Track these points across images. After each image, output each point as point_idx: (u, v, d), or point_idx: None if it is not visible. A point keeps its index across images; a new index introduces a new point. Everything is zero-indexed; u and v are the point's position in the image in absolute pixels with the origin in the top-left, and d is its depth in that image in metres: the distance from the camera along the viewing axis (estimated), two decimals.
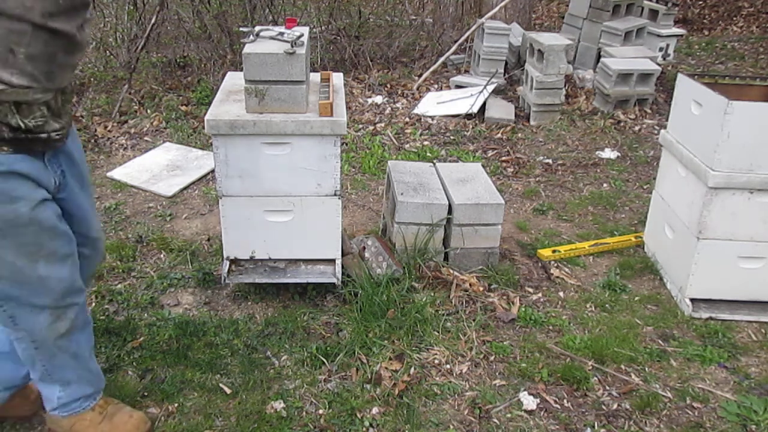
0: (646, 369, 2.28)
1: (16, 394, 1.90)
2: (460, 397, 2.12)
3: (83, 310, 1.75)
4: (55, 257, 1.58)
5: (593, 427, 2.03)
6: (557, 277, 2.83)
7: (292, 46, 2.17)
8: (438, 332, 2.40)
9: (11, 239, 1.49)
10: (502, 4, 6.15)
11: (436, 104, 5.02)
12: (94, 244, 1.82)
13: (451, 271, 2.71)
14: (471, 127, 4.66)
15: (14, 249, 1.50)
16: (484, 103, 4.90)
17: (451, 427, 2.01)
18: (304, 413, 2.01)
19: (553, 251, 2.99)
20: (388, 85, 5.57)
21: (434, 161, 3.72)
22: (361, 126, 4.68)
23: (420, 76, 5.72)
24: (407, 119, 4.83)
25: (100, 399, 1.86)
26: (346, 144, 4.30)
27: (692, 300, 2.59)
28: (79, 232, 1.70)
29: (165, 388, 2.09)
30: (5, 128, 1.38)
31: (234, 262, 2.50)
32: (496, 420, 2.04)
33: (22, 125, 1.41)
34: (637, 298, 2.70)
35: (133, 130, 4.31)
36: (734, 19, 8.65)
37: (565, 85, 4.90)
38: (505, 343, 2.38)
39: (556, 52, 4.66)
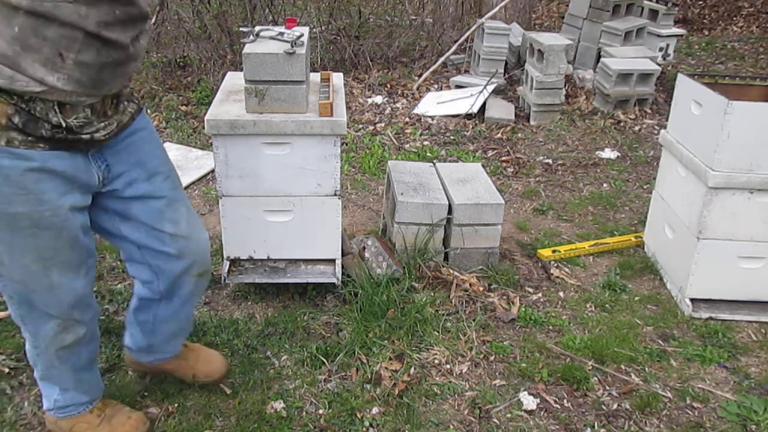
0: (646, 369, 2.28)
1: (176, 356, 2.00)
2: (460, 397, 2.13)
3: (93, 326, 1.74)
4: (69, 267, 1.55)
5: (593, 427, 2.03)
6: (557, 277, 2.83)
7: (292, 46, 2.17)
8: (438, 332, 2.40)
9: (30, 240, 1.46)
10: (502, 4, 6.15)
11: (436, 104, 5.02)
12: (174, 240, 1.70)
13: (451, 271, 2.71)
14: (471, 127, 4.66)
15: (30, 251, 1.47)
16: (484, 103, 4.90)
17: (451, 427, 2.01)
18: (304, 413, 2.01)
19: (553, 251, 2.99)
20: (388, 85, 5.57)
21: (434, 161, 3.72)
22: (361, 126, 4.68)
23: (420, 76, 5.72)
24: (407, 119, 4.83)
25: (98, 401, 1.86)
26: (346, 144, 4.30)
27: (692, 300, 2.59)
28: (140, 221, 1.66)
29: (165, 388, 2.09)
30: (46, 125, 1.35)
31: (234, 262, 2.51)
32: (496, 420, 2.04)
33: (63, 123, 1.38)
34: (637, 298, 2.70)
35: None
36: (734, 19, 8.65)
37: (565, 85, 4.90)
38: (505, 343, 2.38)
39: (556, 52, 4.66)
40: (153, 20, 4.88)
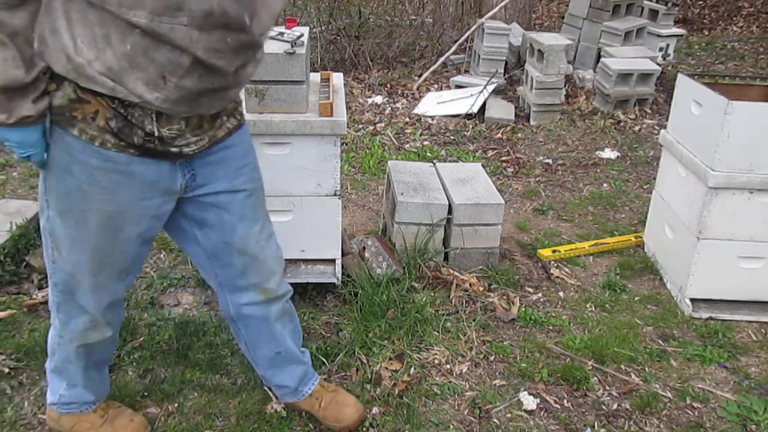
0: (646, 369, 2.28)
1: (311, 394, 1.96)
2: (460, 397, 2.13)
3: (116, 330, 1.75)
4: (117, 271, 1.57)
5: (593, 427, 2.03)
6: (557, 277, 2.83)
7: (292, 46, 2.17)
8: (438, 332, 2.40)
9: (93, 238, 1.47)
10: (502, 4, 6.15)
11: (436, 104, 5.02)
12: (241, 256, 1.69)
13: (451, 271, 2.71)
14: (471, 127, 4.66)
15: (90, 249, 1.49)
16: (484, 103, 4.90)
17: (451, 427, 2.01)
18: (304, 413, 2.01)
19: (553, 251, 2.99)
20: (388, 85, 5.57)
21: (434, 161, 3.72)
22: (361, 126, 4.68)
23: (420, 76, 5.72)
24: (407, 119, 4.84)
25: (102, 402, 1.87)
26: (346, 144, 4.30)
27: (692, 300, 2.59)
28: (214, 232, 1.65)
29: (165, 388, 2.09)
30: (139, 132, 1.36)
31: None
32: (496, 420, 2.04)
33: (156, 132, 1.38)
34: (637, 298, 2.70)
35: None
36: (734, 19, 8.65)
37: (565, 85, 4.90)
38: (505, 343, 2.38)
39: (556, 52, 4.66)
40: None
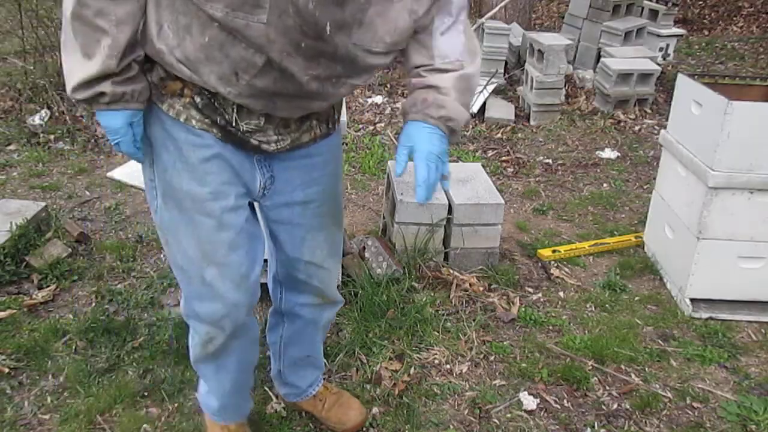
0: (646, 369, 2.28)
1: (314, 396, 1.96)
2: (460, 397, 2.13)
3: (244, 351, 1.65)
4: (228, 271, 1.45)
5: (593, 427, 2.03)
6: (557, 277, 2.83)
7: None
8: (438, 332, 2.40)
9: (191, 227, 1.41)
10: (502, 4, 6.15)
11: None
12: (306, 266, 1.66)
13: (451, 271, 2.71)
14: (471, 127, 4.66)
15: (192, 237, 1.42)
16: (484, 103, 4.90)
17: (451, 427, 2.01)
18: (304, 413, 2.01)
19: (553, 251, 2.99)
20: (388, 85, 5.57)
21: None
22: (361, 126, 4.68)
23: None
24: None
25: (233, 424, 1.83)
26: (346, 144, 4.30)
27: (692, 300, 2.59)
28: (283, 240, 1.61)
29: (165, 387, 2.09)
30: (220, 117, 1.33)
31: None
32: (496, 420, 2.04)
33: (232, 122, 1.34)
34: (637, 298, 2.70)
35: None
36: (734, 19, 8.65)
37: (565, 85, 4.90)
38: (505, 343, 2.38)
39: (556, 52, 4.66)
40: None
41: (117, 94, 1.27)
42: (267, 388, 2.10)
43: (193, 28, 1.21)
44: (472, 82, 1.38)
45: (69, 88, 1.27)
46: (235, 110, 1.32)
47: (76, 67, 1.25)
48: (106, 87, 1.26)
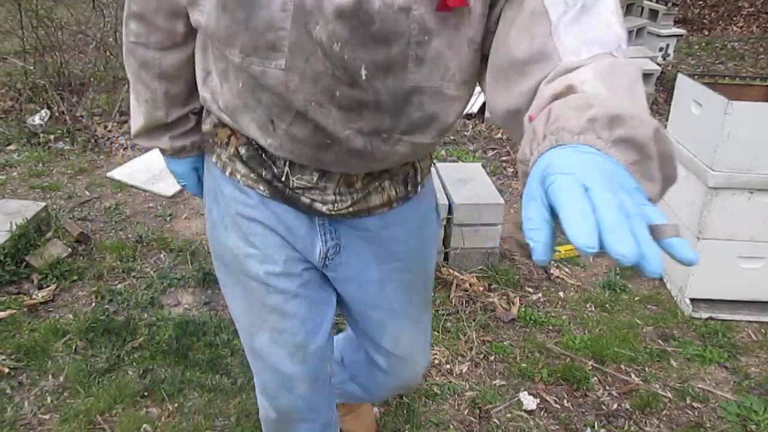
0: (646, 369, 2.28)
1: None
2: (460, 397, 2.13)
3: (316, 427, 1.39)
4: (280, 338, 1.24)
5: (593, 427, 2.03)
6: (557, 277, 2.83)
7: None
8: (438, 332, 2.40)
9: (239, 287, 1.25)
10: None
11: None
12: (387, 357, 1.40)
13: (451, 271, 2.71)
14: (471, 127, 4.66)
15: (240, 299, 1.26)
16: (484, 103, 4.90)
17: (451, 427, 2.01)
18: None
19: (553, 251, 2.98)
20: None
21: (434, 161, 3.72)
22: None
23: None
24: None
25: None
26: None
27: (692, 300, 2.59)
28: (359, 324, 1.37)
29: (165, 388, 2.09)
30: (267, 171, 1.13)
31: None
32: (496, 420, 2.04)
33: (281, 176, 1.13)
34: (637, 298, 2.70)
35: None
36: (734, 19, 8.65)
37: None
38: (505, 343, 2.38)
39: None
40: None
41: (176, 148, 1.23)
42: None
43: (229, 74, 1.05)
44: (629, 72, 0.78)
45: (131, 133, 1.25)
46: (287, 163, 1.12)
47: (134, 113, 1.21)
48: (164, 143, 1.22)
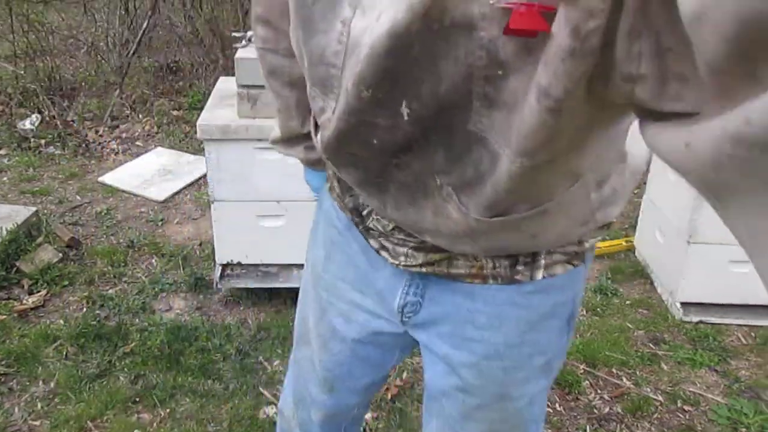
0: (638, 372, 2.29)
1: None
2: None
3: None
4: (314, 369, 1.17)
5: (585, 430, 2.03)
6: None
7: None
8: None
9: (304, 294, 1.18)
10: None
11: None
12: None
13: None
14: None
15: (302, 304, 1.20)
16: None
17: None
18: None
19: None
20: None
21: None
22: None
23: None
24: None
25: None
26: None
27: (683, 304, 2.60)
28: (434, 414, 1.10)
29: (157, 393, 2.08)
30: (351, 200, 0.98)
31: (226, 267, 2.50)
32: None
33: (361, 209, 0.96)
34: (628, 302, 2.71)
35: (124, 135, 4.30)
36: None
37: None
38: None
39: None
40: (144, 25, 4.85)
41: (311, 160, 1.14)
42: (262, 389, 2.10)
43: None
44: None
45: (269, 140, 1.19)
46: (367, 204, 0.97)
47: (275, 121, 1.15)
48: (299, 153, 1.15)
